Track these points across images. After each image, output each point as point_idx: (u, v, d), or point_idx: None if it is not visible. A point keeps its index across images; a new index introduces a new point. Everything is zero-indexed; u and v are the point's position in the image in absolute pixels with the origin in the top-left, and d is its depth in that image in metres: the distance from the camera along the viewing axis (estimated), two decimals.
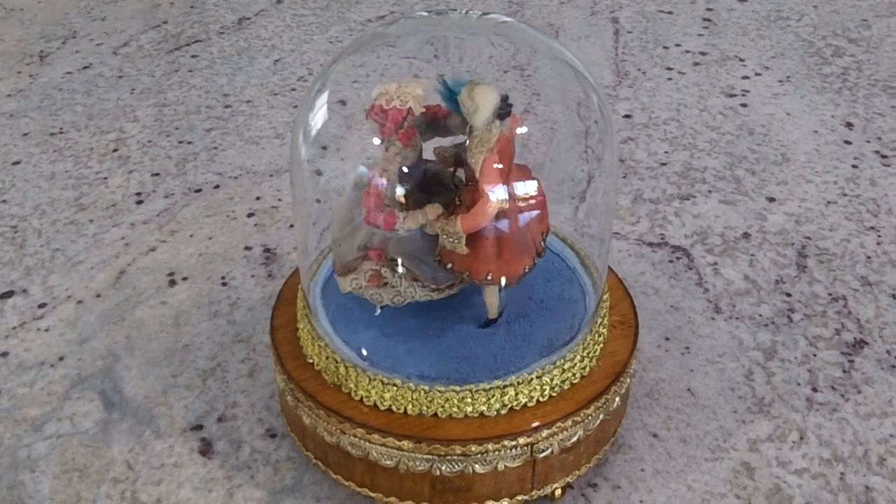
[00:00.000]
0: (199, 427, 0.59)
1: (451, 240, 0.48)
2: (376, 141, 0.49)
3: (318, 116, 0.54)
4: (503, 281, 0.50)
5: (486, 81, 0.47)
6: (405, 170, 0.49)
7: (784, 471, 0.55)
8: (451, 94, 0.48)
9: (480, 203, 0.47)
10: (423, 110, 0.49)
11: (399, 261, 0.50)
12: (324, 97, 0.54)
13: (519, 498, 0.51)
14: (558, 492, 0.52)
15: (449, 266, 0.50)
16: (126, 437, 0.58)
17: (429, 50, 0.56)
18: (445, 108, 0.49)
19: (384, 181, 0.48)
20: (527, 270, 0.50)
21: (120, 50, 1.07)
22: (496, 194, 0.47)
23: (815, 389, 0.61)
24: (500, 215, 0.48)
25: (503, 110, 0.47)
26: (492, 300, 0.52)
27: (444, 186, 0.50)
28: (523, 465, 0.49)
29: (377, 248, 0.50)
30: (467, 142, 0.48)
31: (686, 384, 0.61)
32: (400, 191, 0.48)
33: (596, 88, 0.55)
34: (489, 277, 0.50)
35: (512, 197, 0.48)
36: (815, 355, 0.64)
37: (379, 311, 0.52)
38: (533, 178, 0.50)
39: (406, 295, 0.51)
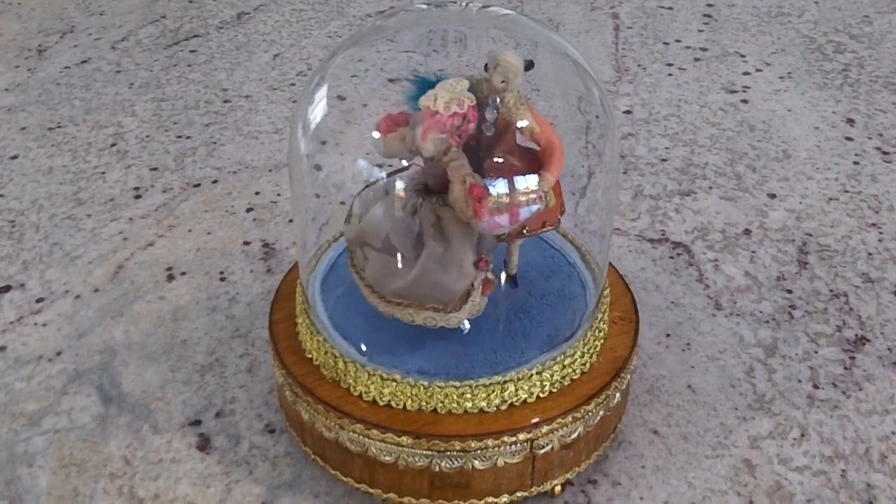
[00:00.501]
0: (197, 422, 0.58)
1: (544, 200, 0.49)
2: (427, 151, 0.46)
3: (318, 111, 0.53)
4: (561, 214, 0.51)
5: (498, 52, 0.48)
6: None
7: (785, 468, 0.55)
8: (424, 88, 0.48)
9: (559, 150, 0.48)
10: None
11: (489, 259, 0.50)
12: (323, 91, 0.53)
13: (518, 494, 0.51)
14: (558, 488, 0.52)
15: (526, 231, 0.50)
16: (124, 433, 0.58)
17: (428, 43, 0.55)
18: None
19: (482, 183, 0.46)
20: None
21: (118, 44, 1.07)
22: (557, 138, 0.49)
23: (816, 386, 0.61)
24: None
25: (527, 62, 0.49)
26: (517, 255, 0.53)
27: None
28: (523, 461, 0.49)
29: (483, 256, 0.49)
30: (497, 113, 0.48)
31: (687, 381, 0.61)
32: (495, 182, 0.47)
33: (597, 82, 0.55)
34: (560, 217, 0.51)
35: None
36: (816, 352, 0.63)
37: (468, 327, 0.51)
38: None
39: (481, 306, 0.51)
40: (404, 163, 0.50)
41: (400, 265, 0.49)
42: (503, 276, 0.54)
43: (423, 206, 0.48)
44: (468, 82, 0.47)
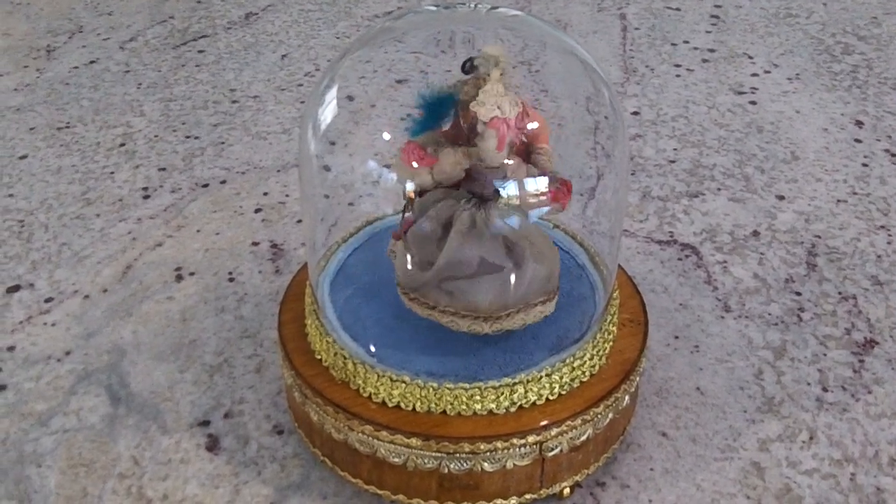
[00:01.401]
0: (205, 423, 0.58)
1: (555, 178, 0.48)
2: (503, 157, 0.47)
3: (328, 111, 0.53)
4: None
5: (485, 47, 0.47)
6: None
7: (794, 471, 0.55)
8: (436, 103, 0.48)
9: (546, 127, 0.48)
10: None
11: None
12: (332, 92, 0.53)
13: (527, 496, 0.51)
14: (567, 490, 0.52)
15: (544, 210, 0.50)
16: (132, 433, 0.58)
17: (436, 44, 0.55)
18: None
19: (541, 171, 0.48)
20: None
21: (126, 45, 1.07)
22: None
23: (825, 389, 0.60)
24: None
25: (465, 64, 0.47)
26: None
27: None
28: (532, 463, 0.49)
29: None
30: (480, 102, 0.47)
31: (695, 383, 0.61)
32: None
33: (607, 82, 0.55)
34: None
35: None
36: (825, 355, 0.63)
37: None
38: None
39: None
40: (408, 189, 0.49)
41: (510, 276, 0.49)
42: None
43: (484, 215, 0.48)
44: (501, 84, 0.47)
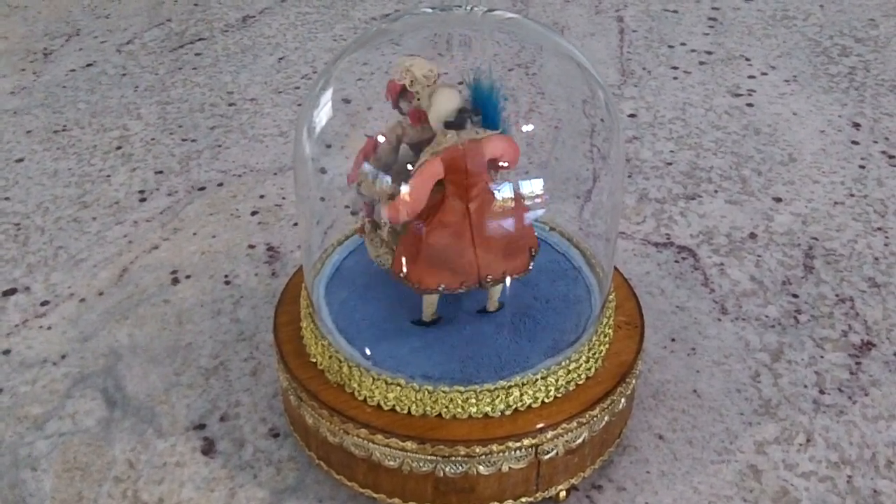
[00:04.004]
0: (201, 426, 0.58)
1: (381, 221, 0.49)
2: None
3: (323, 114, 0.53)
4: (415, 286, 0.49)
5: (451, 86, 0.47)
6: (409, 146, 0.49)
7: (791, 473, 0.55)
8: (476, 94, 0.48)
9: (396, 199, 0.47)
10: (427, 92, 0.48)
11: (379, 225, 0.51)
12: (328, 94, 0.53)
13: (523, 500, 0.50)
14: (563, 493, 0.52)
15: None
16: (128, 436, 0.58)
17: (433, 46, 0.55)
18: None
19: (376, 142, 0.48)
20: (440, 288, 0.49)
21: (123, 47, 1.07)
22: (412, 195, 0.46)
23: (822, 391, 0.60)
24: (433, 224, 0.47)
25: (453, 120, 0.46)
26: (427, 303, 0.51)
27: None
28: (527, 466, 0.49)
29: (367, 204, 0.51)
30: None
31: (692, 385, 0.61)
32: (374, 160, 0.49)
33: (602, 85, 0.55)
34: (401, 275, 0.49)
35: (451, 210, 0.47)
36: (822, 357, 0.63)
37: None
38: (518, 214, 0.49)
39: (383, 261, 0.51)
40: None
41: None
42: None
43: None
44: (429, 68, 0.47)
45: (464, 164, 0.47)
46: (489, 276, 0.49)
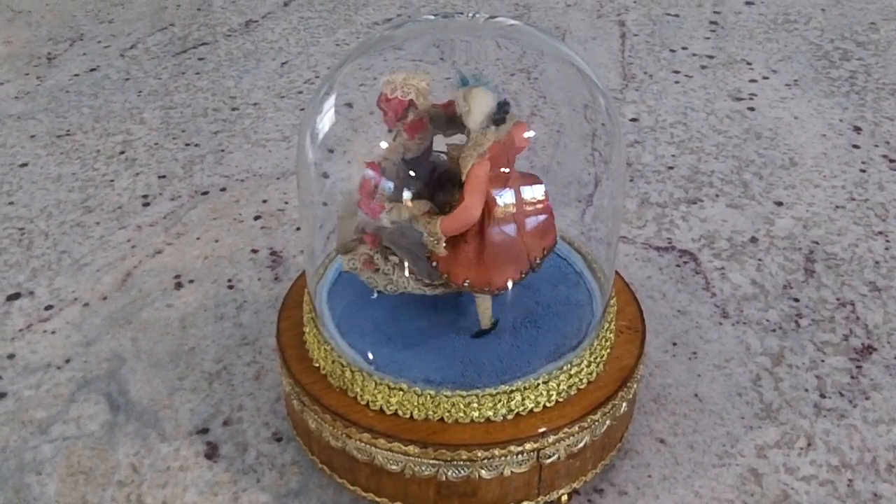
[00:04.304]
0: (204, 430, 0.59)
1: (431, 239, 0.48)
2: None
3: (326, 119, 0.54)
4: (486, 289, 0.49)
5: (484, 84, 0.47)
6: (407, 162, 0.49)
7: (792, 477, 0.55)
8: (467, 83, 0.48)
9: (460, 208, 0.47)
10: (429, 103, 0.48)
11: (392, 250, 0.50)
12: (331, 100, 0.54)
13: None
14: (564, 497, 0.52)
15: (434, 265, 0.49)
16: (131, 440, 0.58)
17: (435, 53, 0.55)
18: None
19: (380, 169, 0.48)
20: (511, 283, 0.50)
21: (127, 52, 1.08)
22: (476, 201, 0.46)
23: (823, 395, 0.60)
24: (488, 222, 0.47)
25: (498, 116, 0.46)
26: (483, 309, 0.51)
27: (451, 183, 0.49)
28: (529, 470, 0.49)
29: (372, 234, 0.50)
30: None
31: (693, 389, 0.61)
32: (390, 184, 0.48)
33: (603, 91, 0.55)
34: (466, 283, 0.49)
35: (499, 205, 0.47)
36: (822, 361, 0.63)
37: (375, 295, 0.52)
38: (537, 189, 0.49)
39: (398, 285, 0.51)
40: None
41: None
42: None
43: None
44: (425, 82, 0.48)
45: (506, 158, 0.47)
46: (536, 258, 0.50)
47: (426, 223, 0.47)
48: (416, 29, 0.55)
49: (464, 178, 0.46)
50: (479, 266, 0.49)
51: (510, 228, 0.48)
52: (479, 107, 0.46)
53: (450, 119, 0.49)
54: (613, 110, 0.55)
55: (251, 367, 0.63)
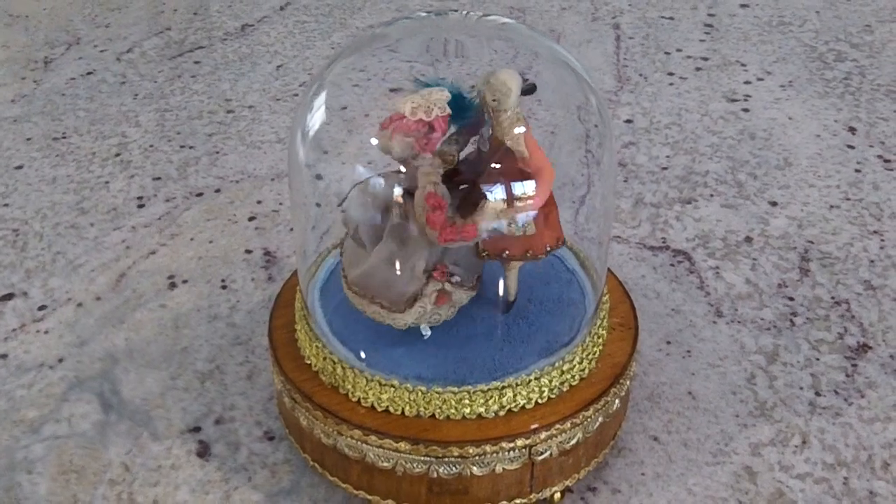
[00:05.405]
0: (196, 429, 0.58)
1: (521, 226, 0.48)
2: (394, 152, 0.47)
3: (317, 118, 0.54)
4: (550, 248, 0.50)
5: (498, 68, 0.47)
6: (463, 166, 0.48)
7: (787, 475, 0.55)
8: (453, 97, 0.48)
9: (544, 180, 0.47)
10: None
11: (451, 271, 0.49)
12: (322, 98, 0.54)
13: (517, 501, 0.50)
14: (557, 495, 0.52)
15: (505, 254, 0.49)
16: (123, 439, 0.58)
17: (429, 52, 0.55)
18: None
19: (441, 194, 0.46)
20: (549, 249, 0.51)
21: (123, 56, 1.08)
22: (549, 163, 0.48)
23: (818, 393, 0.60)
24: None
25: (527, 86, 0.48)
26: (514, 282, 0.52)
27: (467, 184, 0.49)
28: (521, 467, 0.49)
29: (440, 266, 0.49)
30: (491, 130, 0.48)
31: (687, 388, 0.61)
32: (448, 197, 0.47)
33: (595, 90, 0.55)
34: (548, 249, 0.50)
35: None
36: (817, 359, 0.63)
37: (429, 333, 0.51)
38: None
39: (458, 303, 0.50)
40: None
41: (361, 256, 0.50)
42: (500, 291, 0.53)
43: (394, 206, 0.48)
44: (447, 94, 0.47)
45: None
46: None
47: (522, 208, 0.47)
48: (408, 27, 0.55)
49: (525, 152, 0.47)
50: (548, 229, 0.50)
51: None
52: (515, 84, 0.47)
53: (465, 129, 0.50)
54: (605, 110, 0.55)
55: (244, 367, 0.63)
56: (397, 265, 0.49)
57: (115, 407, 0.60)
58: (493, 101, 0.47)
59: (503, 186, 0.48)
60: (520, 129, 0.47)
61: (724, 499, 0.53)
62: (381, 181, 0.50)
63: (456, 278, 0.49)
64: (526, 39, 0.57)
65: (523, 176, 0.48)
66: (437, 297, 0.49)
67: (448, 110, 0.47)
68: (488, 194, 0.47)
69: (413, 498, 0.50)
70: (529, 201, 0.48)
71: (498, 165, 0.48)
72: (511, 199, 0.48)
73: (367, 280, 0.49)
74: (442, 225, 0.47)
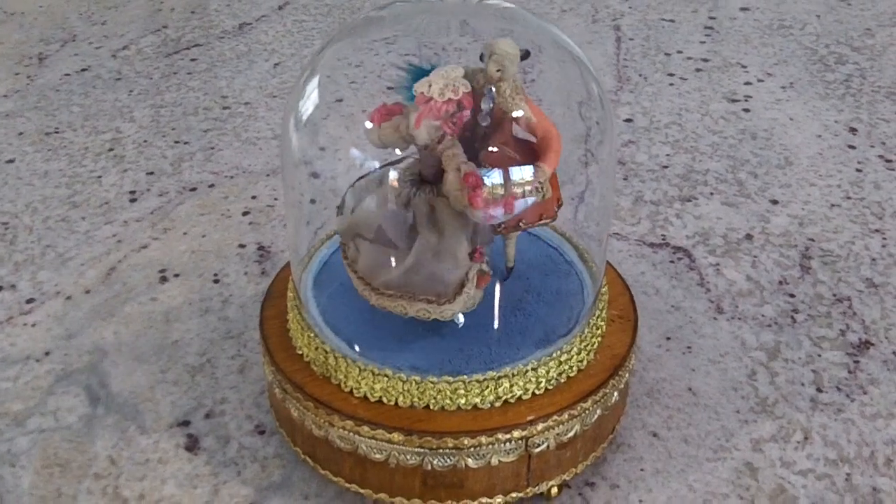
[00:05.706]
0: (185, 423, 0.57)
1: (541, 191, 0.47)
2: (421, 139, 0.46)
3: (309, 102, 0.53)
4: (558, 208, 0.50)
5: (494, 40, 0.47)
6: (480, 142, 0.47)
7: (788, 471, 0.53)
8: (418, 77, 0.47)
9: (556, 141, 0.47)
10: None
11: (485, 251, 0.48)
12: (314, 83, 0.53)
13: (513, 495, 0.49)
14: (554, 490, 0.51)
15: (522, 223, 0.49)
16: (110, 433, 0.56)
17: (426, 36, 0.55)
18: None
19: (477, 172, 0.45)
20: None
21: (119, 53, 1.07)
22: (554, 127, 0.48)
23: (819, 390, 0.59)
24: None
25: (523, 52, 0.48)
26: (513, 249, 0.53)
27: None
28: (518, 460, 0.48)
29: (479, 248, 0.48)
30: (492, 103, 0.47)
31: (687, 384, 0.60)
32: (495, 172, 0.46)
33: (596, 77, 0.54)
34: (557, 208, 0.50)
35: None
36: (819, 356, 0.62)
37: (462, 321, 0.50)
38: None
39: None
40: (398, 153, 0.49)
41: (393, 256, 0.48)
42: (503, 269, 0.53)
43: (416, 197, 0.47)
44: (463, 70, 0.46)
45: None
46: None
47: (542, 175, 0.47)
48: (403, 10, 0.54)
49: (532, 117, 0.47)
50: (555, 190, 0.50)
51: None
52: (516, 50, 0.47)
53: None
54: (605, 97, 0.54)
55: (235, 361, 0.62)
56: (441, 255, 0.47)
57: (103, 400, 0.59)
58: (498, 71, 0.46)
59: (528, 156, 0.47)
60: (520, 97, 0.47)
61: (724, 494, 0.52)
62: (395, 173, 0.48)
63: (487, 257, 0.48)
64: (526, 22, 0.56)
65: (530, 145, 0.48)
66: (479, 280, 0.48)
67: (469, 85, 0.46)
68: (515, 169, 0.47)
69: (406, 491, 0.48)
70: (546, 166, 0.47)
71: (507, 137, 0.48)
72: (534, 166, 0.47)
73: (410, 278, 0.47)
74: (486, 202, 0.45)
